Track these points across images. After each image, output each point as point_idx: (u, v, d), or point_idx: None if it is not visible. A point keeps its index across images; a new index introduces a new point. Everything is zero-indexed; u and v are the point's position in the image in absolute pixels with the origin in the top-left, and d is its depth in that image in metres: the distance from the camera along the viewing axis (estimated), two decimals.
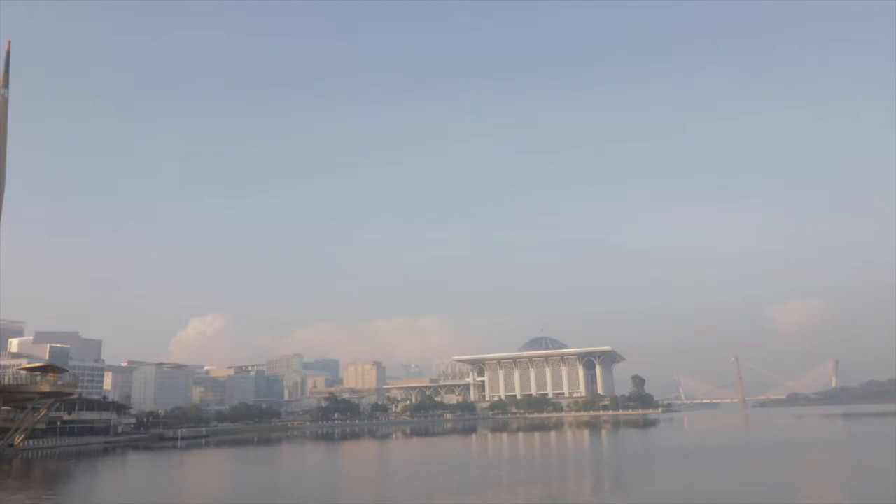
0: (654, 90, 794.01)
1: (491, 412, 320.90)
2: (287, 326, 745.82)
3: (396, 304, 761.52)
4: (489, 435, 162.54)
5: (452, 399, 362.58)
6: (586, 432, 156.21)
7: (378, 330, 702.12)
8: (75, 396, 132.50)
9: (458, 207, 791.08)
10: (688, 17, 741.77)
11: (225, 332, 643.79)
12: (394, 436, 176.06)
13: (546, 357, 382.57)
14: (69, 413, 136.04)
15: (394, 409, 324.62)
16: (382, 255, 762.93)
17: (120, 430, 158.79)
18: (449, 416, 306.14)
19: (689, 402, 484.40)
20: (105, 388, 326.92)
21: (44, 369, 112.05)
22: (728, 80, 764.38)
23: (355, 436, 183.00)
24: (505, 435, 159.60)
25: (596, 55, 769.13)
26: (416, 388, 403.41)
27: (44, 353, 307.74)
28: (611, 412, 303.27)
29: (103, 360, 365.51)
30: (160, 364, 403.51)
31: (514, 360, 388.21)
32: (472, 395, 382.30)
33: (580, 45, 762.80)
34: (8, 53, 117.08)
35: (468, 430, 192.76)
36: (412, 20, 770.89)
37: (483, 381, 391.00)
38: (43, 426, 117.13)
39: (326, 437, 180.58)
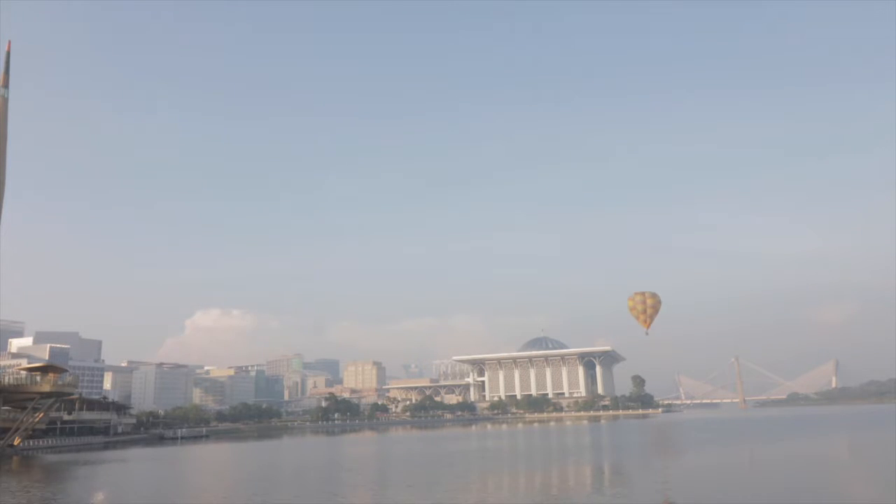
0: (671, 93, 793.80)
1: (491, 412, 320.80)
2: (318, 327, 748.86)
3: (427, 302, 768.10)
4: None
5: (452, 399, 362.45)
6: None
7: (409, 330, 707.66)
8: (75, 396, 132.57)
9: (477, 212, 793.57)
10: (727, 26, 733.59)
11: (248, 330, 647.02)
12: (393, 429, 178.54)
13: (546, 357, 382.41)
14: (69, 413, 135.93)
15: (394, 409, 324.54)
16: (414, 254, 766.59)
17: (120, 429, 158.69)
18: (449, 416, 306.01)
19: (689, 401, 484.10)
20: (105, 388, 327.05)
21: (44, 369, 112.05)
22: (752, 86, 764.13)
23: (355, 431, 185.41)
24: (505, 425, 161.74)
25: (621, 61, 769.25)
26: (416, 388, 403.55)
27: (44, 354, 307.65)
28: (611, 412, 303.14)
29: (103, 360, 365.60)
30: (160, 364, 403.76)
31: (515, 360, 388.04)
32: (473, 395, 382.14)
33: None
34: (8, 54, 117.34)
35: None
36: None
37: (483, 381, 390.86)
38: (43, 426, 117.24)
39: (328, 432, 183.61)
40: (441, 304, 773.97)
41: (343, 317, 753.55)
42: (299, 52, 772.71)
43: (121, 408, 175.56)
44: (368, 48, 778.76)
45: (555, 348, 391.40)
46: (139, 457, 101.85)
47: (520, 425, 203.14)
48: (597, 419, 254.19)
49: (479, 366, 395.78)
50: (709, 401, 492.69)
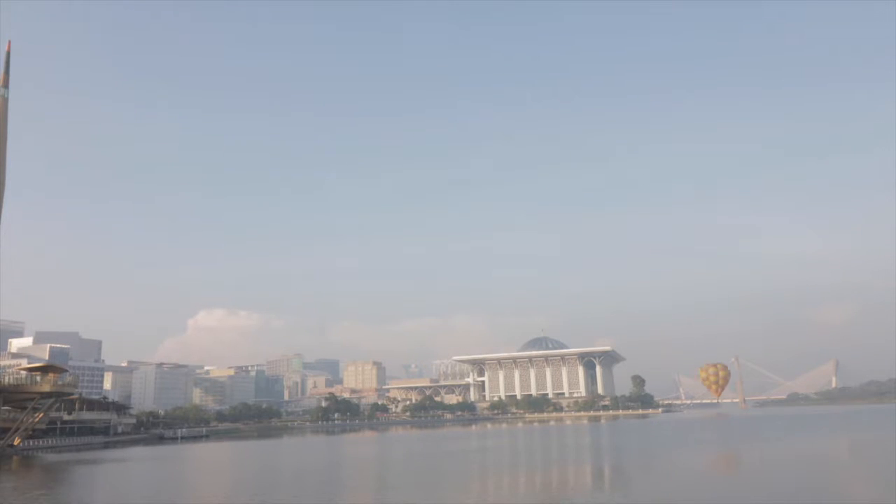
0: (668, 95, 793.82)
1: (491, 412, 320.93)
2: (320, 327, 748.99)
3: (428, 303, 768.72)
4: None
5: (452, 399, 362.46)
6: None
7: (410, 330, 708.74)
8: (75, 396, 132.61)
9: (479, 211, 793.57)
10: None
11: (250, 331, 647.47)
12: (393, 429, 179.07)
13: (546, 357, 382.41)
14: (69, 413, 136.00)
15: (394, 409, 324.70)
16: (415, 254, 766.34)
17: (120, 430, 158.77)
18: (449, 416, 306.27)
19: (689, 401, 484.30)
20: (105, 388, 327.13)
21: (44, 369, 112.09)
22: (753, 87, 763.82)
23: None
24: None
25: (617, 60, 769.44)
26: (416, 387, 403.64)
27: (44, 354, 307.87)
28: (611, 412, 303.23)
29: (103, 360, 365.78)
30: (160, 364, 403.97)
31: (515, 360, 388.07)
32: (473, 395, 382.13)
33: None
34: (8, 54, 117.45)
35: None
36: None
37: (483, 382, 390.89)
38: (43, 426, 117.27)
39: (327, 431, 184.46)
40: (442, 304, 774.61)
41: (344, 317, 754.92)
42: (300, 50, 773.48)
43: (121, 408, 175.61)
44: (368, 47, 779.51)
45: (555, 348, 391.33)
46: (139, 456, 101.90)
47: (520, 424, 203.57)
48: (597, 419, 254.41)
49: (479, 366, 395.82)
50: (709, 401, 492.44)
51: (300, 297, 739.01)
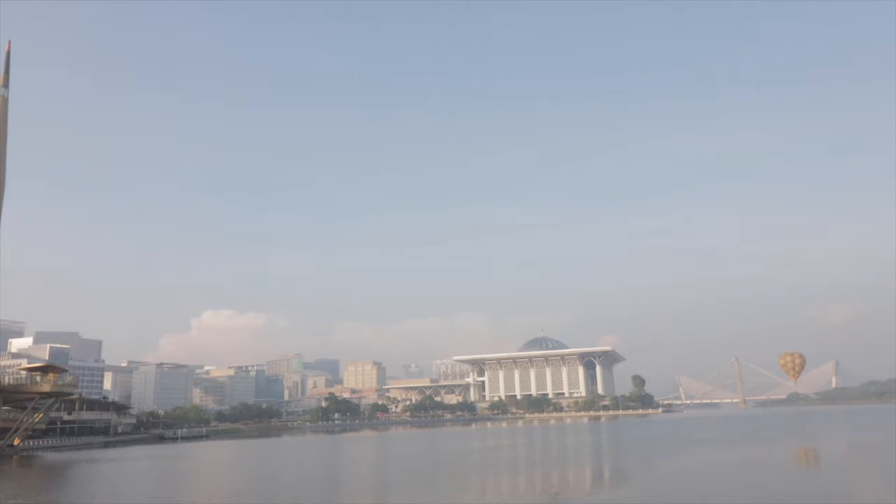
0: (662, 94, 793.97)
1: (491, 412, 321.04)
2: (325, 327, 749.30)
3: (431, 302, 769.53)
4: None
5: (452, 399, 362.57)
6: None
7: (413, 329, 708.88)
8: (75, 396, 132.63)
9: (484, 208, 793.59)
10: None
11: (253, 331, 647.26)
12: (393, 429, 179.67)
13: (546, 357, 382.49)
14: (69, 413, 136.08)
15: (394, 409, 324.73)
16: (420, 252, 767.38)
17: (120, 430, 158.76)
18: (449, 416, 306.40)
19: (688, 401, 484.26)
20: (105, 388, 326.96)
21: (44, 369, 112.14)
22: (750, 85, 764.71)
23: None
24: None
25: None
26: (416, 388, 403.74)
27: (44, 354, 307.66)
28: (611, 412, 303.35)
29: (103, 360, 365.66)
30: (160, 364, 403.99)
31: (515, 360, 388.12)
32: (473, 395, 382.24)
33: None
34: (8, 54, 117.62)
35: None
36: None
37: (483, 381, 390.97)
38: (43, 426, 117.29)
39: (327, 431, 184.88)
40: (443, 304, 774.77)
41: (347, 317, 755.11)
42: (300, 49, 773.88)
43: (121, 408, 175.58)
44: (368, 47, 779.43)
45: (555, 348, 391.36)
46: (139, 456, 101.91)
47: (520, 424, 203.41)
48: (597, 419, 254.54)
49: (479, 366, 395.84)
50: (709, 401, 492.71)
51: (303, 298, 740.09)
